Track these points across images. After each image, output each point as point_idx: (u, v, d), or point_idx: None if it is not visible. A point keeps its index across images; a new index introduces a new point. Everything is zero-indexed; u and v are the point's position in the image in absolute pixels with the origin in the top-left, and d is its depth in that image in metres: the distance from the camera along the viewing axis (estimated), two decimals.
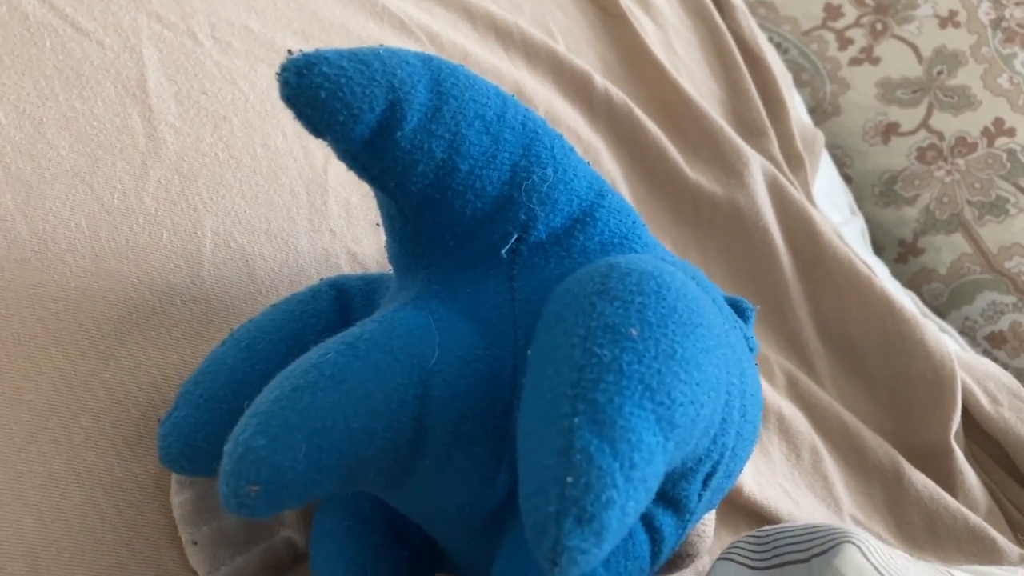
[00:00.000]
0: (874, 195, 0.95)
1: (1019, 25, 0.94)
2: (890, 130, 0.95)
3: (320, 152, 0.48)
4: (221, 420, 0.34)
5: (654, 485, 0.24)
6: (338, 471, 0.27)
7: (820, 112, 0.98)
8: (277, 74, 0.28)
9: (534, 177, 0.32)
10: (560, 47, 0.63)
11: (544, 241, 0.33)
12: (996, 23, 0.94)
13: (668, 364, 0.26)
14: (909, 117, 0.94)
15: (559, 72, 0.61)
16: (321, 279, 0.40)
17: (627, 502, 0.23)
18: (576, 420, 0.24)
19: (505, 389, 0.31)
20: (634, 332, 0.26)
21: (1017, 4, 0.95)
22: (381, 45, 0.30)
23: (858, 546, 0.32)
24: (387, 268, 0.47)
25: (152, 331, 0.40)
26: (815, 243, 0.60)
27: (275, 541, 0.39)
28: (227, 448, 0.26)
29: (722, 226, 0.60)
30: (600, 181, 0.35)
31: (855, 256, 0.61)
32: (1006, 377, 0.62)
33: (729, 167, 0.61)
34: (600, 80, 0.61)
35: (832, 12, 1.00)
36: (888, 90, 0.95)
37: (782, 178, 0.62)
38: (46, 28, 0.43)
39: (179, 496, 0.37)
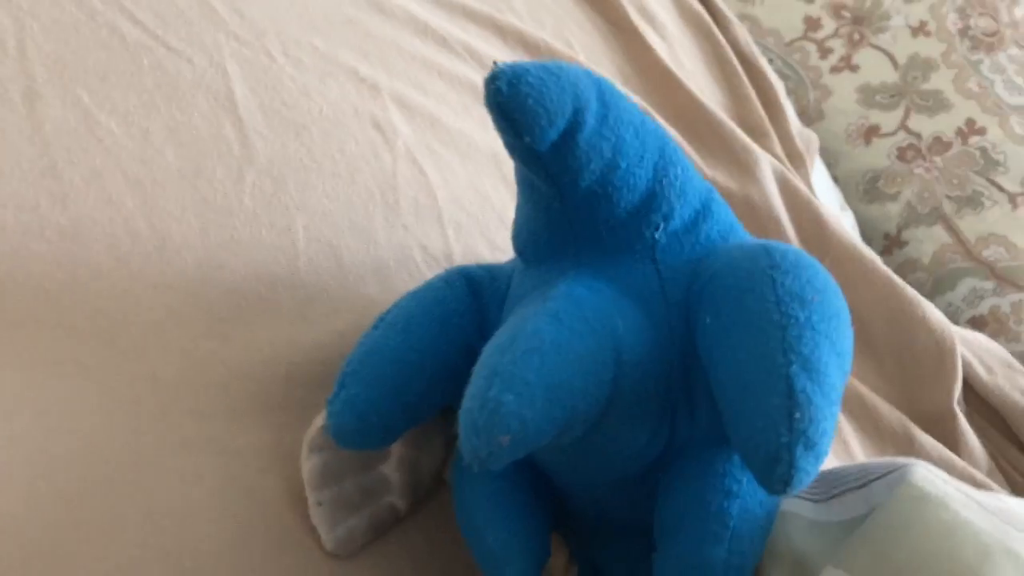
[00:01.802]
0: (859, 193, 1.01)
1: (984, 34, 1.01)
2: (871, 132, 1.01)
3: (388, 156, 0.53)
4: (390, 396, 0.39)
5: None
6: (561, 423, 0.31)
7: (805, 118, 1.04)
8: (486, 82, 0.32)
9: (670, 175, 0.37)
10: (582, 59, 0.68)
11: (678, 229, 0.38)
12: (963, 32, 1.02)
13: (837, 322, 0.33)
14: (889, 120, 1.01)
15: None
16: (447, 269, 0.44)
17: (831, 430, 0.30)
18: (792, 368, 0.30)
19: (667, 353, 0.37)
20: (813, 298, 0.32)
21: (980, 15, 1.03)
22: (554, 59, 0.34)
23: (924, 466, 0.36)
24: (455, 261, 0.52)
25: (261, 315, 0.44)
26: (822, 231, 0.66)
27: (381, 504, 0.44)
28: (472, 404, 0.30)
29: (739, 219, 0.65)
30: (704, 180, 0.41)
31: (859, 241, 0.67)
32: (998, 349, 0.68)
33: (741, 165, 0.67)
34: (621, 89, 0.66)
35: (812, 24, 1.07)
36: (868, 95, 1.02)
37: (788, 173, 0.68)
38: (142, 48, 0.48)
39: (309, 461, 0.41)
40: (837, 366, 0.32)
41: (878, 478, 0.38)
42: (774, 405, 0.29)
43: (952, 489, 0.36)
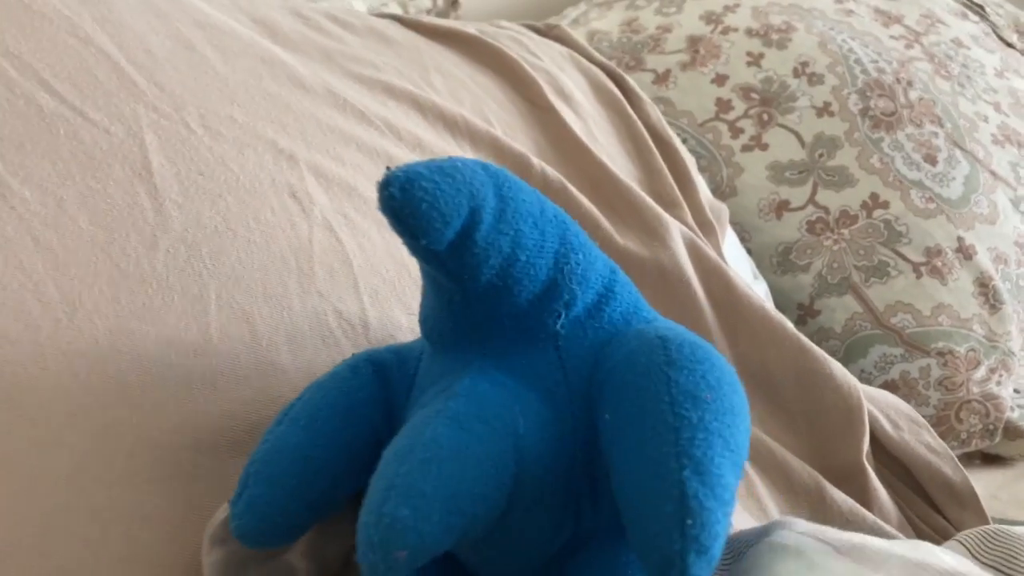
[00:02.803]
0: (772, 264, 1.05)
1: (883, 114, 1.07)
2: (782, 207, 1.05)
3: (304, 224, 0.53)
4: (293, 496, 0.38)
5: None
6: (460, 531, 0.31)
7: (719, 194, 1.08)
8: (380, 188, 0.32)
9: (571, 262, 0.38)
10: (498, 133, 0.71)
11: (581, 315, 0.39)
12: (864, 112, 1.07)
13: (731, 419, 0.33)
14: (798, 195, 1.05)
15: (500, 155, 0.68)
16: (353, 354, 0.44)
17: (723, 532, 0.30)
18: (685, 473, 0.30)
19: (569, 445, 0.37)
20: (707, 396, 0.33)
21: (879, 96, 1.09)
22: (452, 156, 0.35)
23: (784, 525, 0.38)
24: (371, 327, 0.52)
25: (170, 383, 0.44)
26: (731, 294, 0.68)
27: None
28: (368, 519, 0.30)
29: (651, 284, 0.68)
30: (608, 259, 0.42)
31: (767, 303, 0.69)
32: (903, 405, 0.70)
33: (652, 232, 0.69)
34: (536, 161, 0.69)
35: (723, 106, 1.12)
36: (777, 172, 1.06)
37: (698, 240, 0.71)
38: (59, 118, 0.48)
39: (211, 556, 0.40)
40: (731, 464, 0.32)
41: (752, 546, 0.39)
42: (667, 512, 0.30)
43: (808, 539, 0.38)
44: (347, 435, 0.41)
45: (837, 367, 0.67)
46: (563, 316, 0.38)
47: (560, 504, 0.37)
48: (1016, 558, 0.44)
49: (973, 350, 0.97)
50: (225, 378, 0.46)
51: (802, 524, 0.41)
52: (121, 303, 0.44)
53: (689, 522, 0.29)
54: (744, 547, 0.41)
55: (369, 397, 0.42)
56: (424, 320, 0.41)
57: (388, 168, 0.33)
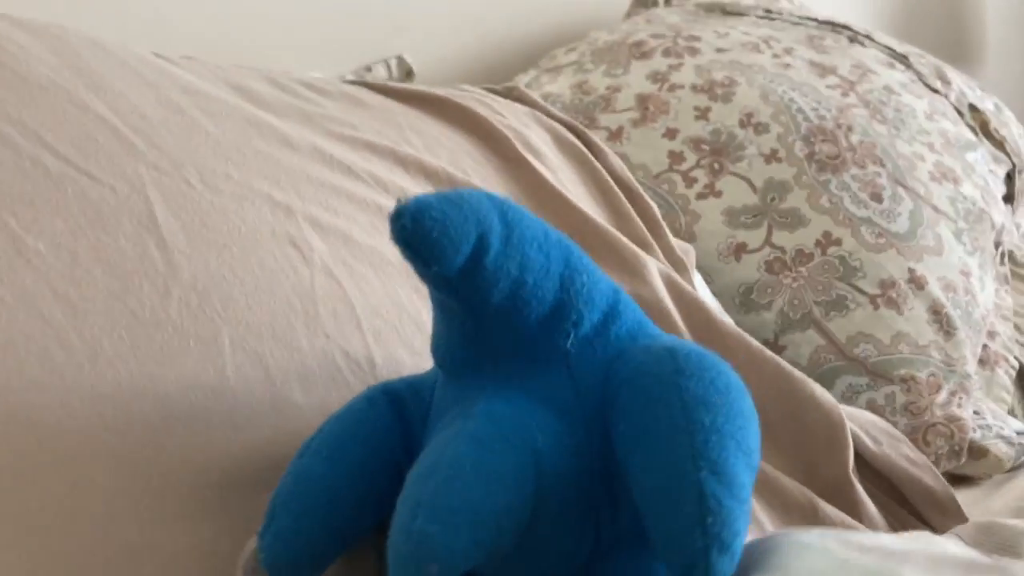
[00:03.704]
0: (735, 305, 1.08)
1: (828, 157, 1.13)
2: (740, 249, 1.09)
3: (305, 270, 0.55)
4: (320, 525, 0.40)
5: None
6: (488, 545, 0.33)
7: (679, 240, 1.12)
8: (392, 219, 0.33)
9: (576, 283, 0.40)
10: (476, 182, 0.73)
11: (589, 334, 0.40)
12: (809, 157, 1.13)
13: (742, 421, 0.35)
14: (754, 237, 1.09)
15: None
16: (369, 386, 0.46)
17: (743, 529, 0.32)
18: (702, 474, 0.32)
19: (586, 459, 0.38)
20: (717, 401, 0.35)
21: (823, 142, 1.15)
22: (457, 188, 0.37)
23: (796, 531, 0.40)
24: (377, 365, 0.54)
25: (192, 423, 0.45)
26: (711, 324, 0.71)
27: None
28: (398, 538, 0.31)
29: None
30: (611, 281, 0.44)
31: (744, 332, 0.72)
32: (881, 422, 0.73)
33: (631, 269, 0.72)
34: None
35: (676, 158, 1.16)
36: (733, 216, 1.11)
37: (674, 275, 0.74)
38: (66, 178, 0.50)
39: None
40: (745, 465, 0.34)
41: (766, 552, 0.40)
42: (687, 512, 0.32)
43: (830, 540, 0.39)
44: (369, 464, 0.42)
45: (817, 387, 0.70)
46: (572, 336, 0.40)
47: (580, 516, 0.39)
48: (1020, 544, 0.46)
49: (934, 375, 1.01)
50: (244, 417, 0.47)
51: (816, 530, 0.42)
52: (140, 348, 0.45)
53: (710, 520, 0.31)
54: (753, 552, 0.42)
55: (387, 426, 0.43)
56: (436, 348, 0.43)
57: (399, 200, 0.34)
